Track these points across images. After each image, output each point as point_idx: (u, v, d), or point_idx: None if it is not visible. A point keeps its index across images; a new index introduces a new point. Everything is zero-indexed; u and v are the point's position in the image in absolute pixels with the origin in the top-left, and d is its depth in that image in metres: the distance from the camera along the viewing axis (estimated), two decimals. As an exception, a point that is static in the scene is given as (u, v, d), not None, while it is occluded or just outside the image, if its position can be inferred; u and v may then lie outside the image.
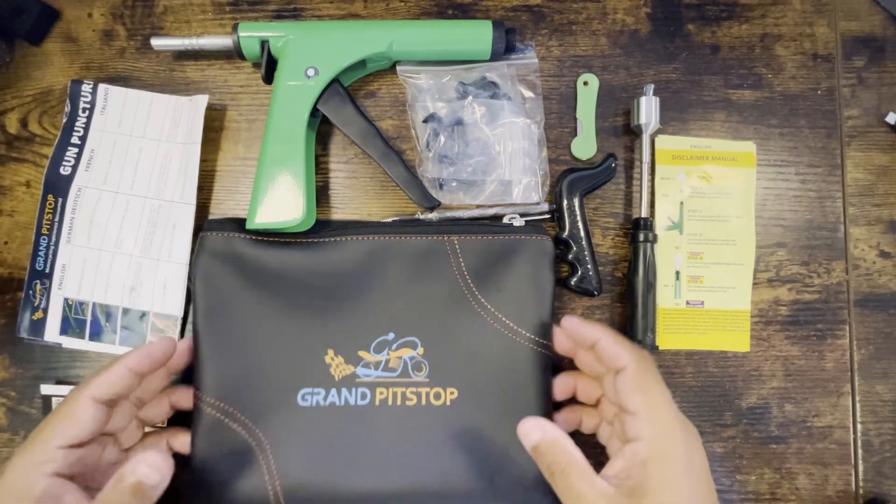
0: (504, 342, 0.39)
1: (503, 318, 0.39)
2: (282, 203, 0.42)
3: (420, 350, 0.39)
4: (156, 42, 0.44)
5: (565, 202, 0.43)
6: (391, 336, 0.40)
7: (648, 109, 0.43)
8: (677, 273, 0.44)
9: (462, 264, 0.40)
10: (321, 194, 0.45)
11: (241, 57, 0.44)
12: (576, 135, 0.45)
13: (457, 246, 0.41)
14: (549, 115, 0.46)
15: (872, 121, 0.46)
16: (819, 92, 0.46)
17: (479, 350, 0.39)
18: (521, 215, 0.43)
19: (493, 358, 0.39)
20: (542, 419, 0.32)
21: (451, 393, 0.39)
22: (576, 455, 0.30)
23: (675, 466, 0.28)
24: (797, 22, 0.47)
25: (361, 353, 0.39)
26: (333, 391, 0.39)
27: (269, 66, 0.43)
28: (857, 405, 0.44)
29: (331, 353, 0.39)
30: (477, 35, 0.43)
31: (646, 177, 0.44)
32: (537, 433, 0.31)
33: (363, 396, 0.39)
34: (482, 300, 0.40)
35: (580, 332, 0.35)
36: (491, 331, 0.39)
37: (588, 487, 0.28)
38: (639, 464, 0.28)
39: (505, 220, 0.42)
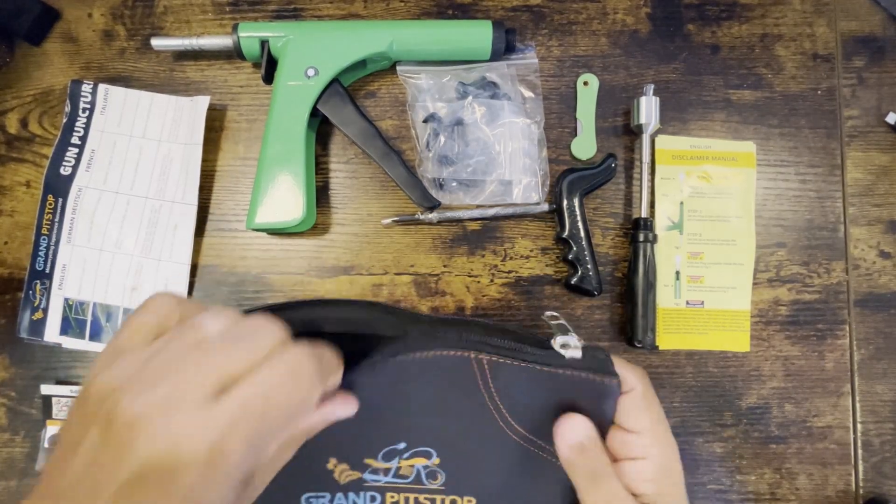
0: (532, 460, 0.33)
1: (534, 439, 0.32)
2: (282, 203, 0.42)
3: (435, 460, 0.34)
4: (156, 42, 0.44)
5: (565, 202, 0.43)
6: (402, 446, 0.34)
7: (648, 109, 0.43)
8: (677, 273, 0.44)
9: (492, 389, 0.32)
10: (321, 194, 0.45)
11: (241, 57, 0.44)
12: (576, 135, 0.45)
13: (486, 369, 0.31)
14: (549, 115, 0.46)
15: (872, 121, 0.46)
16: (819, 92, 0.46)
17: (502, 464, 0.34)
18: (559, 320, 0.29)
19: (516, 471, 0.34)
20: (583, 419, 0.29)
21: (469, 501, 0.34)
22: (610, 461, 0.29)
23: (678, 481, 0.29)
24: (797, 22, 0.47)
25: (368, 461, 0.34)
26: (340, 495, 0.34)
27: (269, 66, 0.43)
28: (857, 405, 0.44)
29: (333, 461, 0.34)
30: (477, 35, 0.43)
31: (646, 177, 0.43)
32: (583, 432, 0.29)
33: (372, 499, 0.34)
34: (512, 423, 0.32)
35: None
36: (519, 449, 0.33)
37: (625, 496, 0.28)
38: (646, 481, 0.28)
39: (558, 347, 0.28)
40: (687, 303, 0.44)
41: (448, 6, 0.47)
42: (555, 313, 0.28)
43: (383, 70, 0.46)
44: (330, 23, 0.46)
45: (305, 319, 0.31)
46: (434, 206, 0.43)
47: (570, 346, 0.28)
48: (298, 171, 0.42)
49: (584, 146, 0.45)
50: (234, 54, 0.45)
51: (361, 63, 0.44)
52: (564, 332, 0.28)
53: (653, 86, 0.43)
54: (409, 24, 0.45)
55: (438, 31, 0.44)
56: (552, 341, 0.28)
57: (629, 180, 0.45)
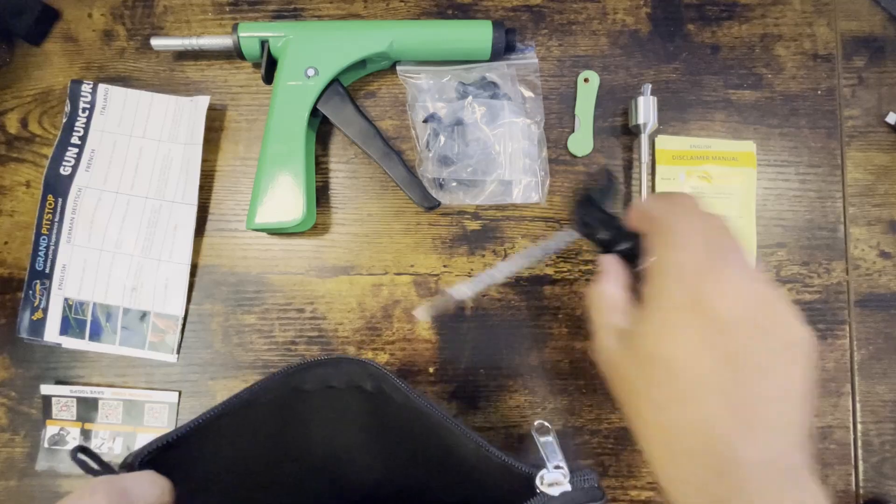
0: None
1: None
2: (282, 203, 0.42)
3: None
4: (156, 42, 0.44)
5: (585, 231, 0.40)
6: None
7: (646, 109, 0.43)
8: (677, 273, 0.44)
9: None
10: (321, 194, 0.45)
11: (241, 57, 0.44)
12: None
13: None
14: (549, 114, 0.46)
15: (872, 121, 0.46)
16: (819, 92, 0.46)
17: None
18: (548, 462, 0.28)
19: None
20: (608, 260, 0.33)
21: None
22: (609, 290, 0.32)
23: (659, 313, 0.28)
24: (797, 22, 0.47)
25: None
26: None
27: (269, 67, 0.43)
28: (857, 405, 0.44)
29: None
30: (477, 35, 0.43)
31: (644, 177, 0.43)
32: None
33: None
34: None
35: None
36: None
37: (602, 301, 0.31)
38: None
39: (546, 487, 0.27)
40: (687, 303, 0.44)
41: (448, 6, 0.47)
42: (546, 425, 0.28)
43: (383, 70, 0.46)
44: (330, 23, 0.46)
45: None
46: (434, 205, 0.43)
47: (557, 483, 0.27)
48: (298, 171, 0.42)
49: (581, 143, 0.45)
50: (234, 54, 0.45)
51: (361, 63, 0.44)
52: (552, 453, 0.27)
53: (650, 86, 0.43)
54: (409, 24, 0.45)
55: (438, 31, 0.44)
56: (538, 480, 0.27)
57: (629, 181, 0.45)
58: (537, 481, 0.27)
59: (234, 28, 0.43)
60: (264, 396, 0.32)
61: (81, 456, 0.23)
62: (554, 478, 0.26)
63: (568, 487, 0.27)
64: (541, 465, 0.27)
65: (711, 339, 0.26)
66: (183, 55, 0.46)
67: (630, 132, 0.46)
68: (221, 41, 0.44)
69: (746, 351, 0.26)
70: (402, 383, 0.31)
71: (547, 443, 0.27)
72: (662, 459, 0.28)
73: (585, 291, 0.36)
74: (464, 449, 0.31)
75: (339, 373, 0.34)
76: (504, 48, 0.44)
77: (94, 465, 0.23)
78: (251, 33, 0.43)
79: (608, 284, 0.32)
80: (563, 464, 0.27)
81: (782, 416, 0.26)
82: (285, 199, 0.42)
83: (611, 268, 0.32)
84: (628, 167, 0.46)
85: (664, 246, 0.29)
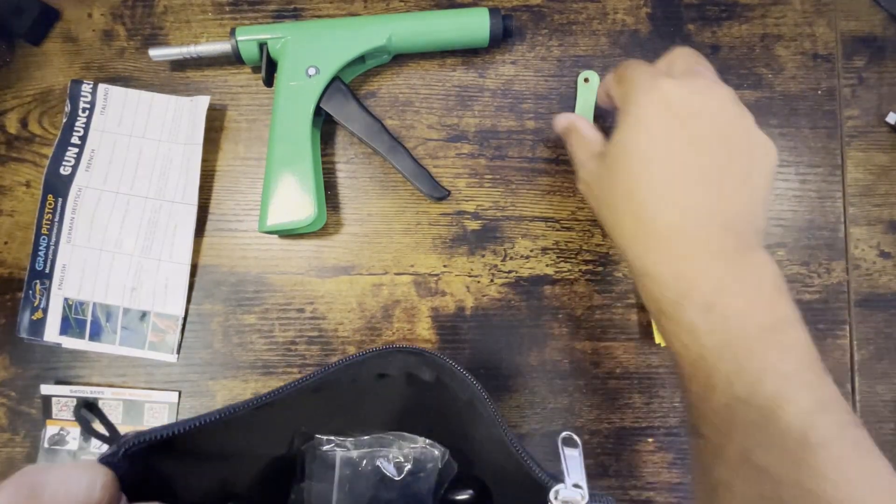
0: None
1: None
2: (293, 203, 0.42)
3: None
4: (153, 52, 0.44)
5: None
6: None
7: None
8: (677, 273, 0.44)
9: None
10: (321, 194, 0.45)
11: (241, 61, 0.44)
12: (576, 135, 0.45)
13: None
14: (549, 115, 0.46)
15: (872, 121, 0.46)
16: (819, 92, 0.46)
17: None
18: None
19: None
20: (572, 115, 0.38)
21: None
22: (583, 127, 0.36)
23: (630, 118, 0.30)
24: (797, 22, 0.47)
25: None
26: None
27: (269, 69, 0.43)
28: (857, 405, 0.44)
29: None
30: (474, 22, 0.43)
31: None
32: (564, 122, 0.38)
33: None
34: None
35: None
36: None
37: (579, 139, 0.36)
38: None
39: (555, 503, 0.25)
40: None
41: (447, 6, 0.47)
42: (574, 438, 0.26)
43: (383, 70, 0.46)
44: (327, 20, 0.46)
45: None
46: (443, 195, 0.43)
47: (573, 502, 0.24)
48: (306, 170, 0.42)
49: (584, 146, 0.45)
50: (233, 59, 0.44)
51: (360, 59, 0.44)
52: (575, 469, 0.25)
53: None
54: (405, 17, 0.44)
55: (436, 21, 0.44)
56: (552, 494, 0.25)
57: (629, 180, 0.45)
58: (551, 495, 0.24)
59: (232, 33, 0.43)
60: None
61: (85, 412, 0.23)
62: (570, 496, 0.24)
63: None
64: (559, 477, 0.25)
65: (678, 128, 0.29)
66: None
67: (630, 132, 0.46)
68: (220, 47, 0.43)
69: (712, 139, 0.29)
70: (467, 374, 0.31)
71: (571, 457, 0.25)
72: (639, 249, 0.30)
73: (562, 133, 0.39)
74: (498, 443, 0.30)
75: (394, 363, 0.35)
76: (502, 34, 0.44)
77: (101, 427, 0.23)
78: (249, 37, 0.43)
79: (580, 122, 0.37)
80: (583, 483, 0.24)
81: (748, 215, 0.29)
82: (295, 199, 0.41)
83: (578, 119, 0.38)
84: (628, 167, 0.45)
85: (631, 80, 0.32)
